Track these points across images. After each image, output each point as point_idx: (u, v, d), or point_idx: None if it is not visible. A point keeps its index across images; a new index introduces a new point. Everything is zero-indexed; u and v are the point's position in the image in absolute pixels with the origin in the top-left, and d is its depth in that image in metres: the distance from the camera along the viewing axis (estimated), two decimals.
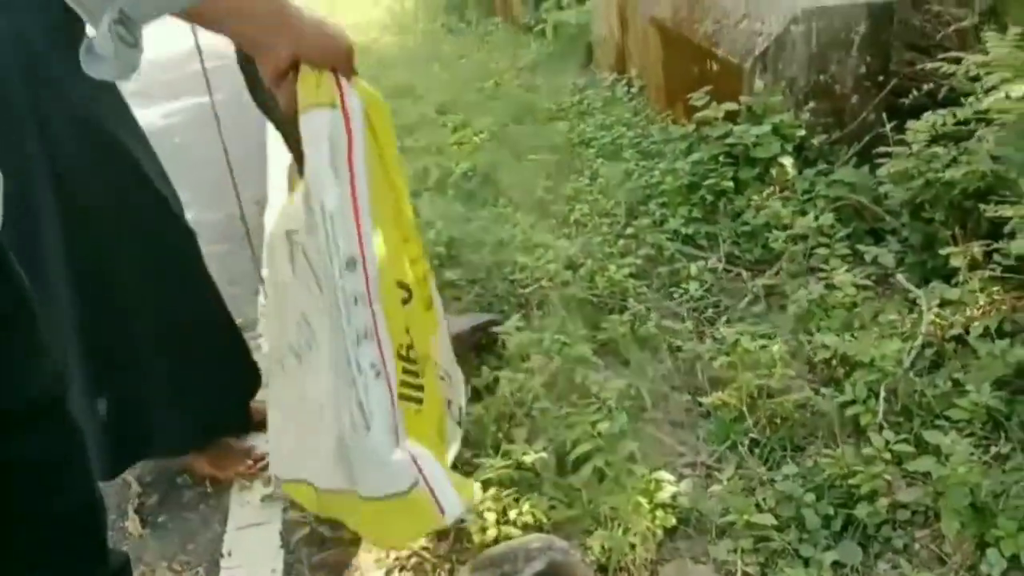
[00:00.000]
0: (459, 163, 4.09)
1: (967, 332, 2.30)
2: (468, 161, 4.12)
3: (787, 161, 3.25)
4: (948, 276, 2.54)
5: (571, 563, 1.87)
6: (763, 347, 2.39)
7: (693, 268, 3.02)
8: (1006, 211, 2.27)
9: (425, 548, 2.05)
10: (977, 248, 2.43)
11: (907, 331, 2.36)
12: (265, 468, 2.37)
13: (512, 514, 2.02)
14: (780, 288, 2.85)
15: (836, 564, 1.86)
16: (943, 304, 2.43)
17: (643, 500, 2.03)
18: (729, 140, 3.32)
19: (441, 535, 2.06)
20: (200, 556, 2.20)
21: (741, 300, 2.86)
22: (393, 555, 2.05)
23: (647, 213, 3.36)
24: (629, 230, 3.26)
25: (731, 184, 3.28)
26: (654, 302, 2.90)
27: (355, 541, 2.11)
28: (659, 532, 2.00)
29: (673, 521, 2.02)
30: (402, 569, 2.03)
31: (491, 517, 2.01)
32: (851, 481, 1.96)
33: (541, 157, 4.10)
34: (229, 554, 2.18)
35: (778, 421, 2.26)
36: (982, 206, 2.44)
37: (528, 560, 1.84)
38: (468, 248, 3.26)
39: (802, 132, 3.33)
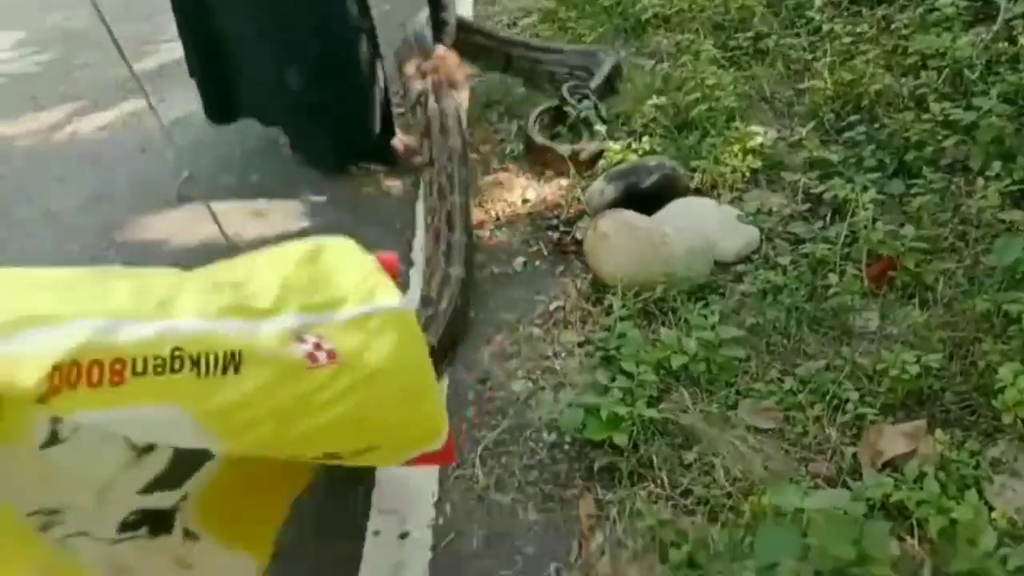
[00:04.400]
0: None
1: None
2: None
3: None
4: None
5: (679, 176, 2.55)
6: (859, 48, 2.86)
7: (817, 1, 3.42)
8: None
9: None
10: None
11: (985, 32, 2.75)
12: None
13: (635, 146, 2.69)
14: (892, 17, 3.23)
15: (882, 191, 2.42)
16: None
17: (736, 145, 2.64)
18: None
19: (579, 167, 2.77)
20: None
21: (858, 25, 3.26)
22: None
23: None
24: None
25: None
26: (778, 27, 3.35)
27: None
28: (747, 170, 2.62)
29: (759, 164, 2.63)
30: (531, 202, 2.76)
31: (617, 146, 2.69)
32: (905, 134, 2.49)
33: None
34: None
35: (862, 104, 2.77)
36: None
37: (648, 173, 2.52)
38: None
39: None
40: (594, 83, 3.07)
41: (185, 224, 2.97)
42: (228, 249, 2.74)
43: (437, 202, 2.58)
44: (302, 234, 2.72)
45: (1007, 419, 1.70)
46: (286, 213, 2.96)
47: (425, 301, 2.25)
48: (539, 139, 2.91)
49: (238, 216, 2.98)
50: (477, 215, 2.71)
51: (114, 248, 2.93)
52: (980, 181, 2.25)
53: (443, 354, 2.14)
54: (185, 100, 3.59)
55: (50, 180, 3.45)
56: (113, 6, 4.84)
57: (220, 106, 3.17)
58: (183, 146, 3.35)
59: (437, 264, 2.35)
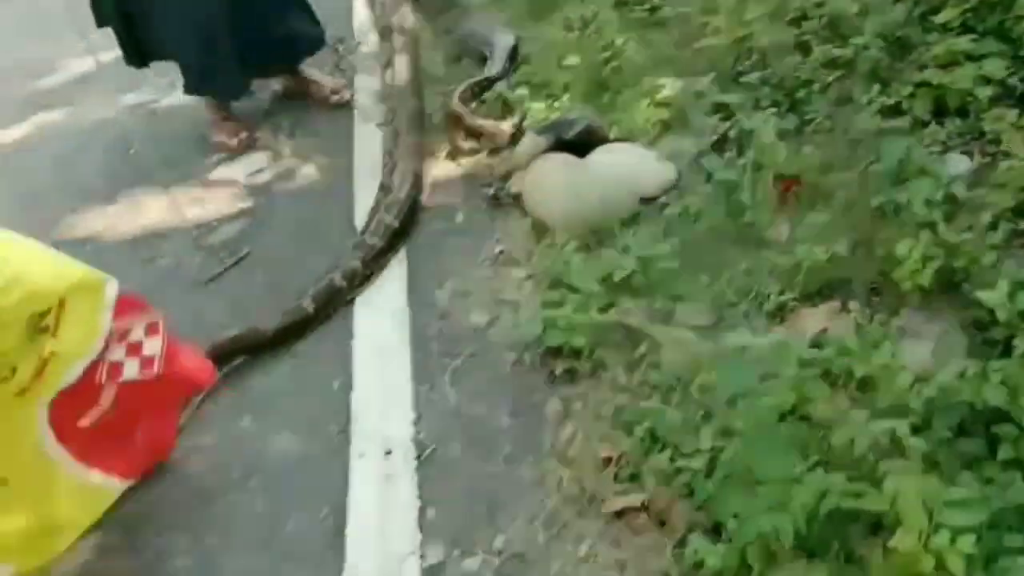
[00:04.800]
0: None
1: None
2: None
3: None
4: None
5: (600, 127, 2.77)
6: (746, 8, 3.16)
7: None
8: None
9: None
10: None
11: None
12: None
13: (556, 105, 2.90)
14: None
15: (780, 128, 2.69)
16: None
17: (646, 100, 2.88)
18: None
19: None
20: None
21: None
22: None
23: None
24: None
25: None
26: None
27: None
28: (657, 121, 2.86)
29: (668, 114, 2.87)
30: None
31: (541, 106, 2.90)
32: (795, 75, 2.78)
33: None
34: None
35: (753, 56, 3.06)
36: None
37: (572, 124, 2.73)
38: None
39: None
40: (496, 66, 3.27)
41: (119, 216, 3.02)
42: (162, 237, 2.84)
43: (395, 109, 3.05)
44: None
45: (907, 287, 1.97)
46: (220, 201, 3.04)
47: (384, 188, 2.70)
48: (462, 111, 3.07)
49: (172, 204, 3.05)
50: None
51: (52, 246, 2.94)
52: (863, 103, 2.55)
53: (403, 235, 2.59)
54: (106, 106, 3.66)
55: None
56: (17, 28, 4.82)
57: (136, 51, 3.20)
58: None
59: (396, 159, 2.80)
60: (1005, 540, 1.42)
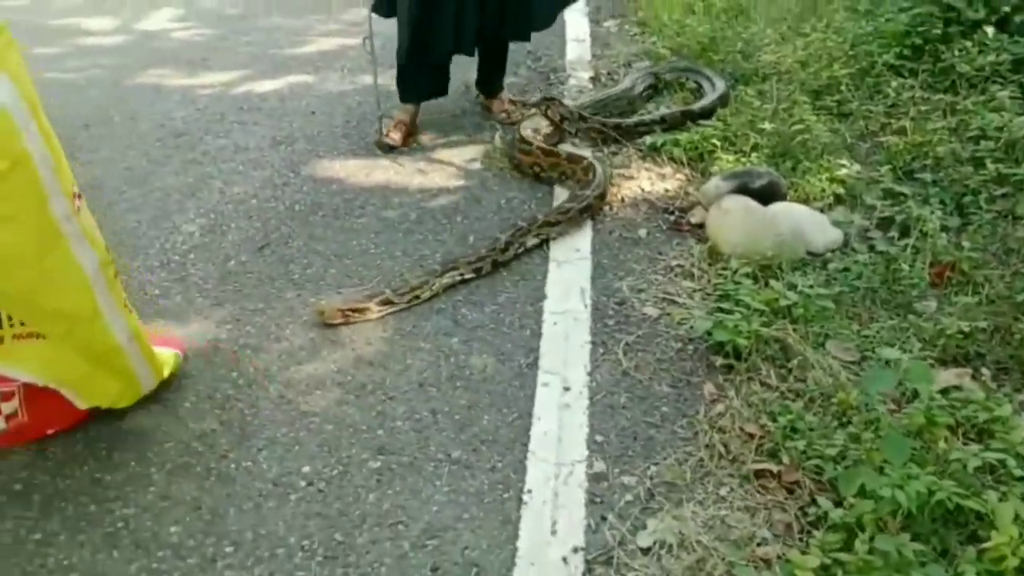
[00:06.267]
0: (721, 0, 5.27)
1: None
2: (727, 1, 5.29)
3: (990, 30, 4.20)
4: None
5: (781, 184, 3.17)
6: (928, 119, 3.51)
7: (894, 83, 4.09)
8: None
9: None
10: None
11: None
12: None
13: (744, 159, 3.32)
14: (957, 103, 3.88)
15: (943, 225, 3.02)
16: None
17: (825, 173, 3.27)
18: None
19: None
20: None
21: (927, 104, 3.90)
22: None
23: (867, 42, 4.41)
24: (850, 52, 4.35)
25: (938, 33, 4.27)
26: (859, 96, 4.01)
27: None
28: (832, 193, 3.23)
29: (842, 190, 3.24)
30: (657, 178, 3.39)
31: (731, 157, 3.32)
32: (966, 182, 3.11)
33: (787, 1, 5.20)
34: None
35: (928, 161, 3.40)
36: None
37: (759, 176, 3.14)
38: (726, 42, 4.48)
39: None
40: (704, 102, 3.88)
41: (358, 168, 3.59)
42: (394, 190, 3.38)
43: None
44: (449, 192, 3.37)
45: None
46: (444, 175, 3.57)
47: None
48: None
49: (405, 169, 3.61)
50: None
51: (299, 178, 3.53)
52: None
53: (599, 206, 3.20)
54: (343, 81, 4.31)
55: (233, 124, 4.09)
56: (268, 1, 5.79)
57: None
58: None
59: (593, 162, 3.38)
60: None
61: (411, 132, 3.85)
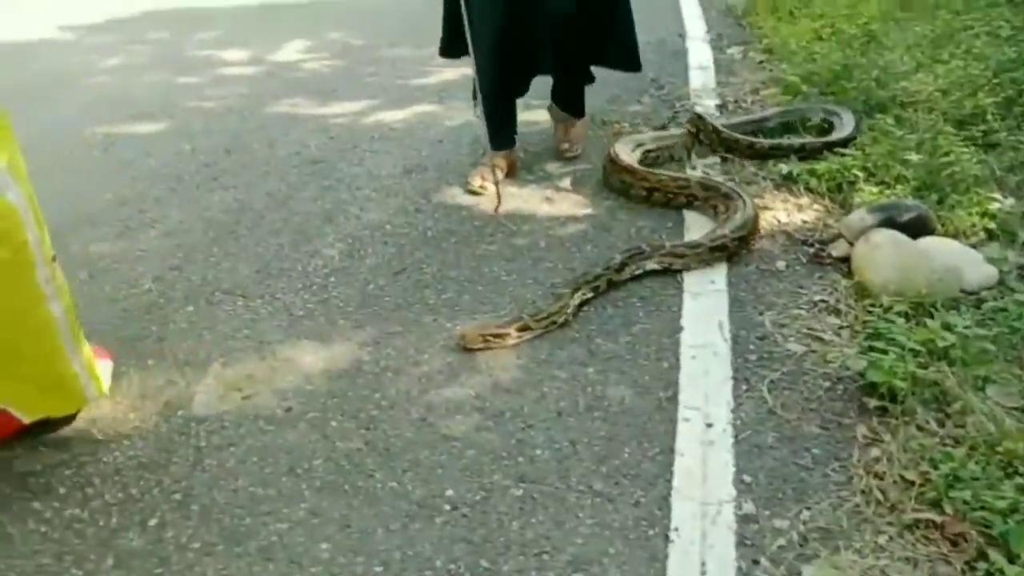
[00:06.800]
0: (852, 27, 5.12)
1: None
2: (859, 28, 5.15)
3: None
4: None
5: (931, 218, 3.03)
6: None
7: None
8: None
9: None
10: None
11: None
12: None
13: (888, 192, 3.20)
14: None
15: None
16: None
17: (976, 208, 3.11)
18: None
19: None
20: None
21: None
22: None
23: (1011, 69, 4.20)
24: (995, 80, 4.14)
25: None
26: (1007, 125, 3.82)
27: None
28: (983, 229, 3.07)
29: (994, 225, 3.08)
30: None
31: (874, 188, 3.21)
32: None
33: (922, 28, 5.01)
34: None
35: None
36: None
37: (907, 210, 3.01)
38: (859, 70, 4.35)
39: None
40: (840, 133, 3.81)
41: (486, 196, 3.64)
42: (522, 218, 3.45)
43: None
44: (577, 220, 3.38)
45: None
46: (571, 203, 3.58)
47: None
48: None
49: (533, 197, 3.64)
50: None
51: (431, 205, 3.61)
52: None
53: (745, 245, 3.12)
54: (466, 111, 4.37)
55: (365, 152, 4.22)
56: (391, 32, 6.04)
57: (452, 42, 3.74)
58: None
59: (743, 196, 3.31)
60: None
61: (510, 173, 3.83)
